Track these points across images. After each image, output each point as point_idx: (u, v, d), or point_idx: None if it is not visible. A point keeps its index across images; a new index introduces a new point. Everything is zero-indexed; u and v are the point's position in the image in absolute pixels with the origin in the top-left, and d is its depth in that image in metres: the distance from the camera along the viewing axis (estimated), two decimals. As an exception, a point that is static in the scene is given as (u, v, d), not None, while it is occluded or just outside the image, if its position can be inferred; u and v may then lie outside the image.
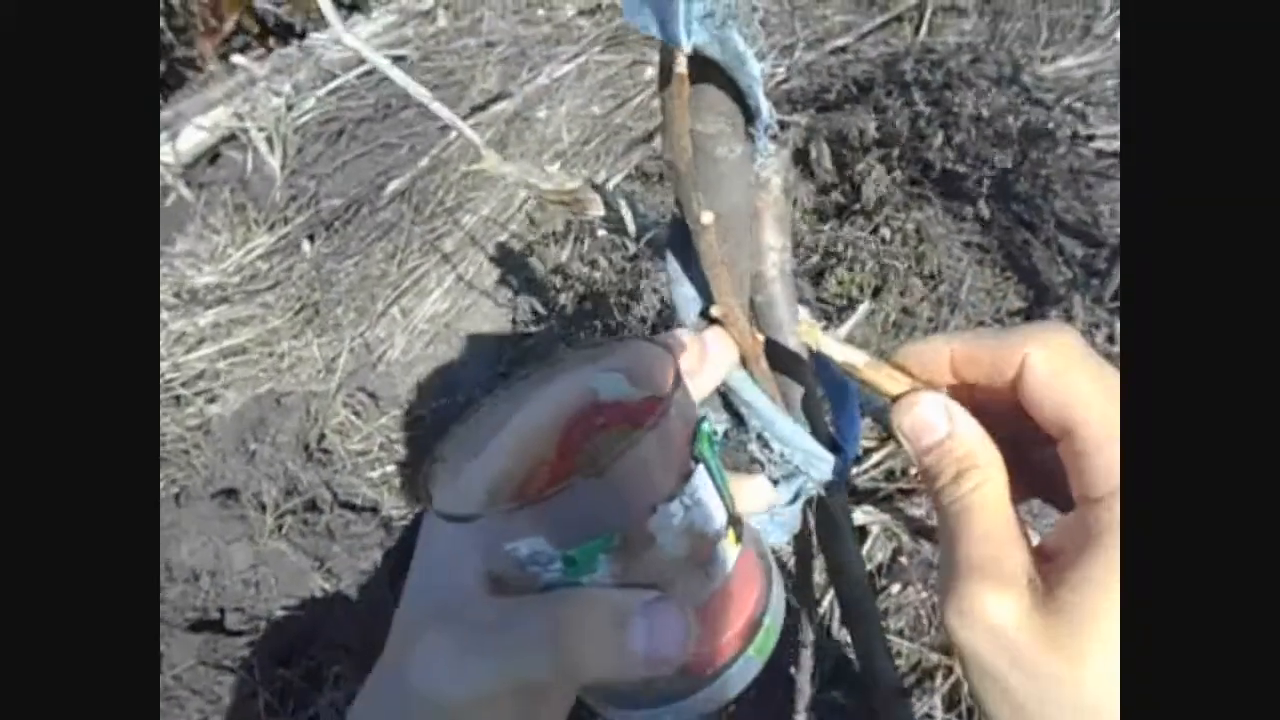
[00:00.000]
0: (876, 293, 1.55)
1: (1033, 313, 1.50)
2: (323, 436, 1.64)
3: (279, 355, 1.85)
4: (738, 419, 0.42)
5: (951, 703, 1.11)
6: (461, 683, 0.28)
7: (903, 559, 1.25)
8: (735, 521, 0.31)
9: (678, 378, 0.29)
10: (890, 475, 1.32)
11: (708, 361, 0.36)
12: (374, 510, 1.50)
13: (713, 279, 0.34)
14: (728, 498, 0.31)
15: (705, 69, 0.29)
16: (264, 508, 1.48)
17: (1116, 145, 1.65)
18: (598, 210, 0.42)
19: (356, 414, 1.68)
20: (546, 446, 0.32)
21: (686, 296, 0.39)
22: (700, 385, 0.36)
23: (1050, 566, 0.27)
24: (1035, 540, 0.31)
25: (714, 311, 0.36)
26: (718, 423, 0.43)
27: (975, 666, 0.28)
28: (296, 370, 1.81)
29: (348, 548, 1.42)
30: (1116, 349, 1.41)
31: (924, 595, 1.22)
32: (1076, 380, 0.28)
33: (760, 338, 0.39)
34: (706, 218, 0.31)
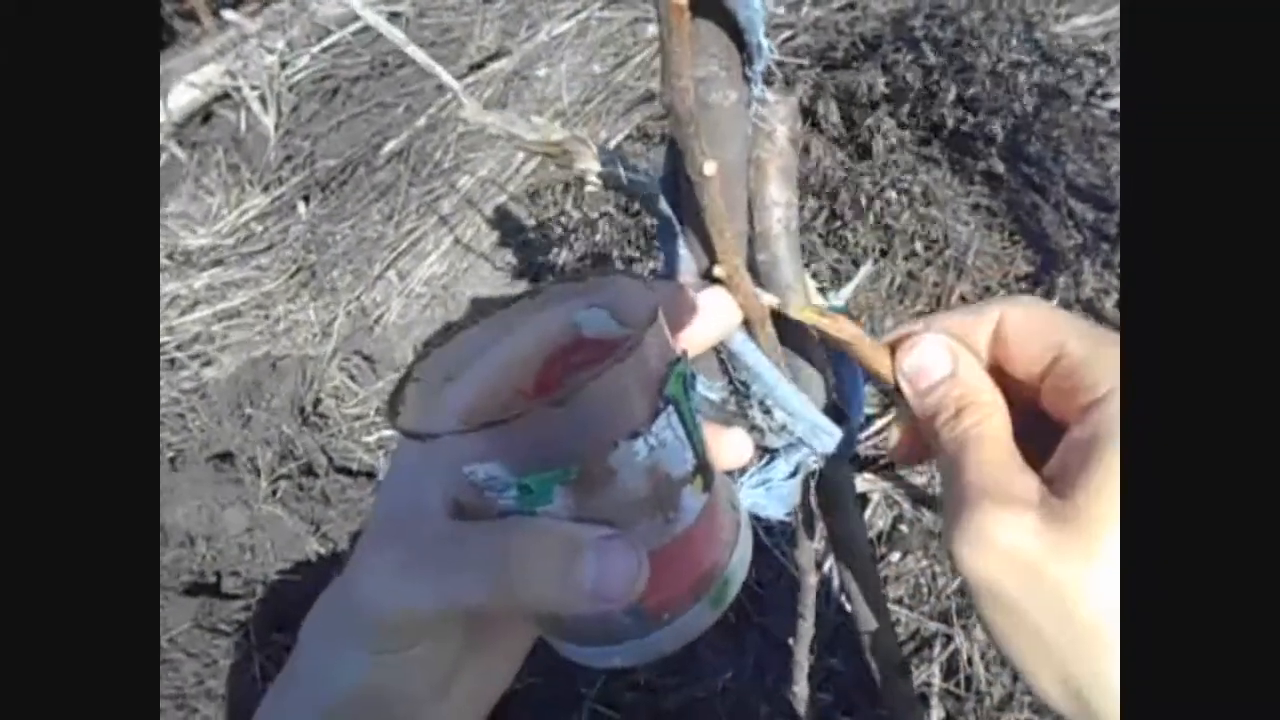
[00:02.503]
0: (882, 255, 1.52)
1: (1041, 278, 1.47)
2: (318, 401, 1.62)
3: (274, 319, 1.82)
4: (738, 385, 0.40)
5: (950, 671, 1.11)
6: (400, 598, 0.27)
7: (903, 527, 1.24)
8: (704, 469, 0.29)
9: (654, 315, 0.27)
10: (892, 443, 1.30)
11: (704, 319, 0.34)
12: (369, 475, 1.49)
13: (715, 237, 0.32)
14: (699, 444, 0.29)
15: (700, 2, 0.26)
16: (259, 472, 1.46)
17: (1130, 106, 1.60)
18: (586, 163, 0.39)
19: (352, 378, 1.66)
20: (526, 378, 0.31)
21: (682, 256, 0.37)
22: (695, 343, 0.34)
23: (1056, 487, 0.27)
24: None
25: (717, 272, 0.34)
26: (716, 390, 0.40)
27: (989, 596, 0.27)
28: (292, 334, 1.79)
29: (343, 512, 1.41)
30: (1125, 316, 1.38)
31: (924, 564, 1.21)
32: (1054, 316, 0.30)
33: (767, 301, 0.36)
34: (709, 168, 0.28)
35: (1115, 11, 1.89)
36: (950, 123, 1.59)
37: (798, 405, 0.40)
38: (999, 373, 0.31)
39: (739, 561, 0.31)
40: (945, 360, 0.31)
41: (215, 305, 1.85)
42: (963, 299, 1.50)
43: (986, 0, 1.86)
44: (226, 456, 1.53)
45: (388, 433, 1.55)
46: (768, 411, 0.41)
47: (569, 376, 0.31)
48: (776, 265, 0.39)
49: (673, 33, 0.25)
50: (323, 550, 1.36)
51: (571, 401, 0.24)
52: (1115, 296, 1.39)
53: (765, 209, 0.38)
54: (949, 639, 1.12)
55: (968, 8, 1.76)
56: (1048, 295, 1.40)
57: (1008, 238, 1.58)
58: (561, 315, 0.32)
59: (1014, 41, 1.64)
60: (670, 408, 0.28)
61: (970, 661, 1.10)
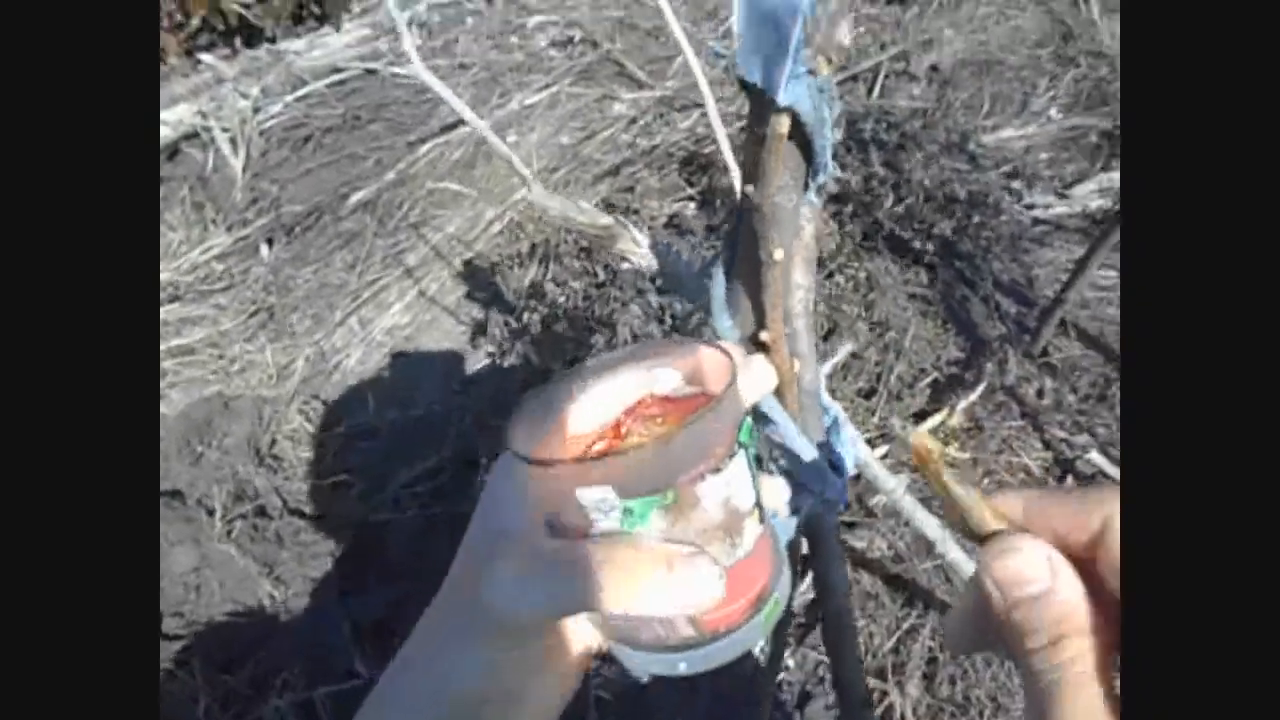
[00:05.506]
0: (828, 336, 1.64)
1: (970, 363, 1.61)
2: (274, 442, 1.62)
3: (229, 358, 1.82)
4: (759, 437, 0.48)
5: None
6: (523, 602, 0.33)
7: (844, 589, 1.31)
8: (760, 505, 0.36)
9: (734, 376, 0.34)
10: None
11: (754, 379, 0.41)
12: (323, 518, 1.50)
13: (769, 308, 0.40)
14: (757, 484, 0.36)
15: (792, 130, 0.34)
16: (211, 511, 1.45)
17: (1052, 213, 1.79)
18: (625, 245, 0.47)
19: (310, 421, 1.67)
20: (608, 420, 0.38)
21: (725, 325, 0.45)
22: (747, 399, 0.41)
23: None
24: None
25: (763, 336, 0.42)
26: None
27: None
28: (246, 374, 1.79)
29: (296, 555, 1.41)
30: (1044, 402, 1.52)
31: (862, 623, 1.28)
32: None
33: (796, 367, 0.44)
34: (779, 254, 0.36)
35: (1035, 128, 2.11)
36: (892, 221, 1.74)
37: (811, 454, 0.47)
38: (1090, 573, 0.28)
39: (783, 587, 0.38)
40: (1044, 573, 0.28)
41: (169, 341, 1.84)
42: (899, 379, 1.62)
43: (925, 110, 2.05)
44: (176, 494, 1.51)
45: (343, 476, 1.56)
46: (776, 459, 0.48)
47: (638, 424, 0.38)
48: (797, 338, 0.47)
49: (772, 153, 0.33)
50: (275, 592, 1.35)
51: (674, 440, 0.31)
52: (1035, 385, 1.52)
53: (790, 290, 0.46)
54: (884, 694, 1.19)
55: (910, 116, 1.94)
56: (976, 380, 1.53)
57: (940, 325, 1.71)
58: (642, 372, 0.39)
59: (951, 150, 1.81)
60: (742, 451, 0.35)
61: (904, 717, 1.17)
